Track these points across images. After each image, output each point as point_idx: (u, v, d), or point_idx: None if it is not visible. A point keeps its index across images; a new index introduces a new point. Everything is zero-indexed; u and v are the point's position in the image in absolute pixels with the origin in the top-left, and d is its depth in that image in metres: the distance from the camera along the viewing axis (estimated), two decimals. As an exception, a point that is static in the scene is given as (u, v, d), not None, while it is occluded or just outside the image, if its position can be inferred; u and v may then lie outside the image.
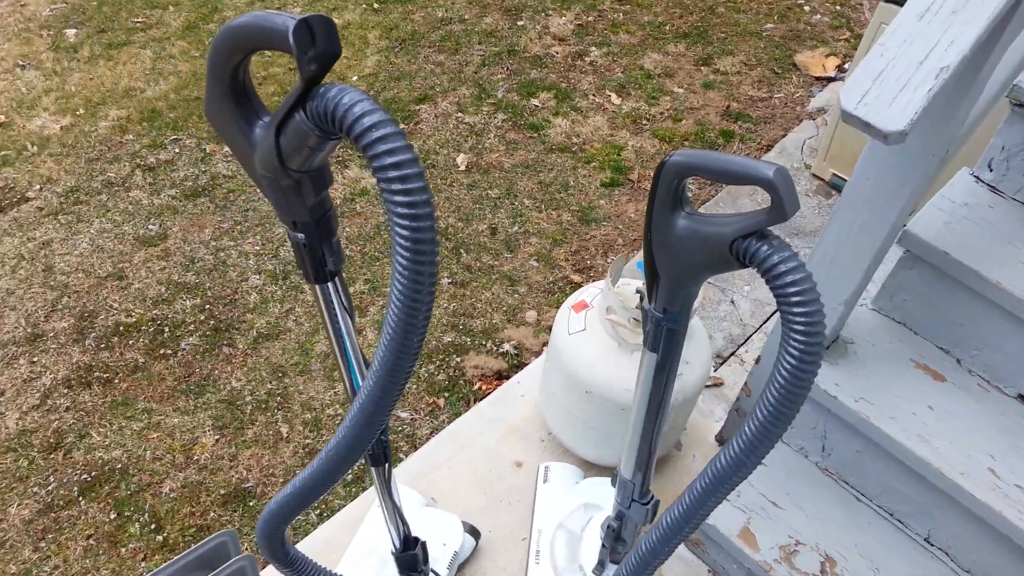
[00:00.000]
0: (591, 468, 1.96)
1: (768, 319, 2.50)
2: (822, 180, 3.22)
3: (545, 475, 1.90)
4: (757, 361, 1.77)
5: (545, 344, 2.57)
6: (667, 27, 4.42)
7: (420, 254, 0.67)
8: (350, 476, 2.21)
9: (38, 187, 3.31)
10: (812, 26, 4.47)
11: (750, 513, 1.65)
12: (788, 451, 1.76)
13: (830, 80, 4.02)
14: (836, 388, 1.56)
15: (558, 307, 2.10)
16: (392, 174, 0.64)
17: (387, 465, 1.36)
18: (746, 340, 2.42)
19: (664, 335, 1.09)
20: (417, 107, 3.74)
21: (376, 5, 4.53)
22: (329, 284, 1.01)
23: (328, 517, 1.97)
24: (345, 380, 1.19)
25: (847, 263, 1.48)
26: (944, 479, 1.43)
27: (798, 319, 0.82)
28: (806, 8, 4.65)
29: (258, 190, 3.21)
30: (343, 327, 1.10)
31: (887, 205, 1.35)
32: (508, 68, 4.02)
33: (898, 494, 1.59)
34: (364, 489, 2.08)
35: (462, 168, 3.38)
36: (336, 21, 4.37)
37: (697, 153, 0.89)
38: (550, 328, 2.60)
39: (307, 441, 2.30)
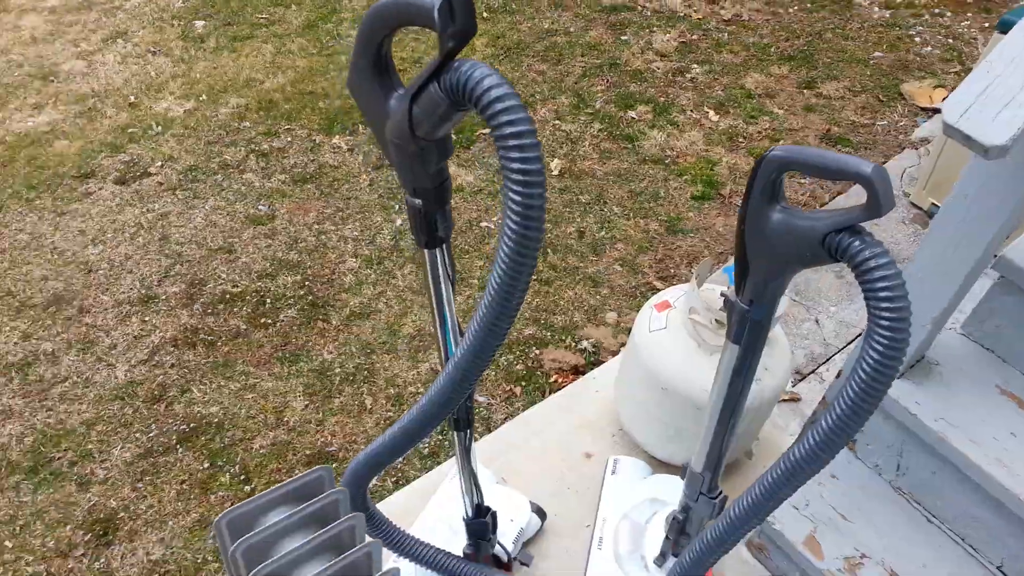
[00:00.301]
0: (660, 466, 1.99)
1: (852, 341, 2.48)
2: (920, 209, 3.16)
3: (614, 467, 1.94)
4: (838, 375, 1.78)
5: (623, 345, 2.62)
6: (772, 49, 4.41)
7: (529, 219, 0.74)
8: (426, 449, 2.31)
9: (160, 164, 3.56)
10: (922, 57, 4.38)
11: (818, 523, 1.66)
12: (862, 467, 1.75)
13: (936, 111, 3.93)
14: (917, 407, 1.56)
15: (639, 311, 2.15)
16: (511, 143, 0.72)
17: (468, 431, 1.43)
18: (827, 360, 2.41)
19: (749, 327, 1.13)
20: (516, 112, 3.85)
21: (485, 14, 4.68)
22: (437, 250, 1.10)
23: (403, 486, 2.07)
24: (440, 345, 1.28)
25: (938, 281, 1.48)
26: (1023, 506, 1.42)
27: (884, 314, 0.85)
28: (916, 39, 4.55)
29: (359, 180, 3.37)
30: (444, 293, 1.18)
31: (984, 224, 1.35)
32: (608, 80, 4.10)
33: (973, 519, 1.57)
34: (439, 463, 2.18)
35: (555, 173, 3.46)
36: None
37: (796, 148, 0.94)
38: (629, 330, 2.64)
39: (389, 414, 2.41)
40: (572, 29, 4.56)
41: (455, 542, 1.75)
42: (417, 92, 0.79)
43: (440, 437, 2.36)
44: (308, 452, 2.32)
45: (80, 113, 3.92)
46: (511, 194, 0.73)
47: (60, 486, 2.27)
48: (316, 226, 3.19)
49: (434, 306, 1.21)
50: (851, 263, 0.87)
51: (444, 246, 1.10)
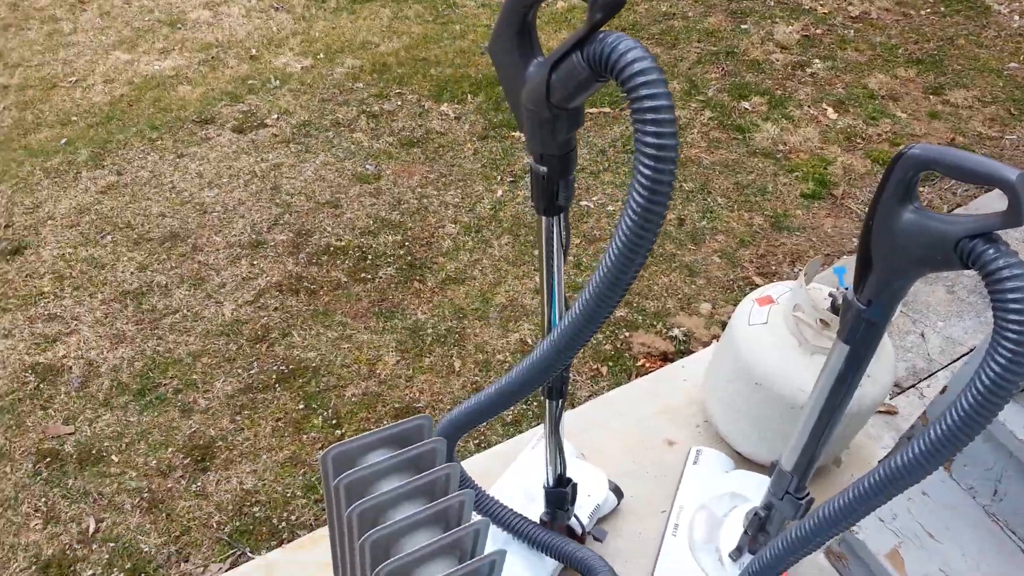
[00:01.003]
0: (742, 462, 1.97)
1: (958, 359, 2.38)
2: (1045, 231, 2.98)
3: (696, 457, 1.94)
4: (942, 391, 1.72)
5: (715, 337, 2.59)
6: (899, 50, 4.22)
7: (656, 193, 0.75)
8: (509, 416, 2.35)
9: (275, 116, 3.70)
10: (1066, 69, 4.11)
11: (903, 538, 1.62)
12: (955, 488, 1.69)
13: (1076, 129, 3.69)
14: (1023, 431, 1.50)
15: (735, 304, 2.12)
16: (649, 116, 0.73)
17: (560, 401, 1.46)
18: (930, 375, 2.32)
19: (863, 327, 1.10)
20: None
21: (603, -9, 4.63)
22: (554, 218, 1.12)
23: (484, 448, 2.12)
24: (544, 311, 1.30)
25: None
26: None
27: (1012, 326, 0.82)
28: (1061, 50, 4.27)
29: (463, 148, 3.42)
30: (556, 262, 1.20)
31: None
32: (723, 68, 4.01)
33: (1074, 555, 1.50)
34: (520, 431, 2.22)
35: (660, 158, 3.43)
36: (560, 5, 4.53)
37: (937, 148, 0.91)
38: (723, 323, 2.61)
39: (475, 378, 2.47)
40: (691, 14, 4.47)
41: (531, 509, 1.79)
42: (559, 61, 0.81)
43: (524, 407, 2.39)
44: (397, 406, 2.39)
45: (203, 61, 4.11)
46: (641, 167, 0.74)
47: (164, 411, 2.42)
48: (419, 189, 3.26)
49: (544, 273, 1.23)
50: (983, 271, 0.85)
51: (562, 215, 1.12)
